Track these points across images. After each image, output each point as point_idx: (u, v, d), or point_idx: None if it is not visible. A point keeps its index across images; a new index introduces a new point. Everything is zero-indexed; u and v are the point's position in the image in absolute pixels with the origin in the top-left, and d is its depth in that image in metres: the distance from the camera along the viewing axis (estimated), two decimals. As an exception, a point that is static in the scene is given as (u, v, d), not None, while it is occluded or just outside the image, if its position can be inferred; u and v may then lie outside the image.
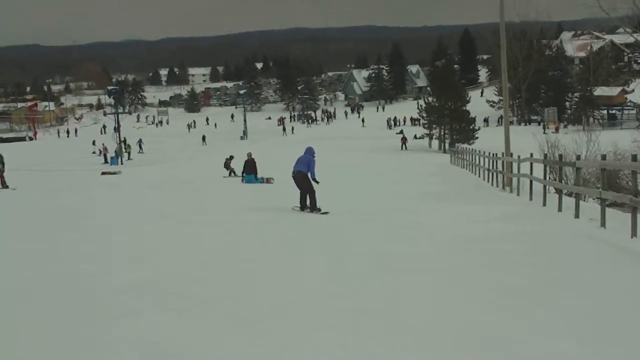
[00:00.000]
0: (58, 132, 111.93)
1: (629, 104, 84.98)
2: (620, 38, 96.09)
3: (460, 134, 65.59)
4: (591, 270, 8.87)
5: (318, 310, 6.93)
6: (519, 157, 22.26)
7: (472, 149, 39.40)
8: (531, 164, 19.98)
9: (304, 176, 16.94)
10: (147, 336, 6.09)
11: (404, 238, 11.93)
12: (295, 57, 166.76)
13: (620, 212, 14.91)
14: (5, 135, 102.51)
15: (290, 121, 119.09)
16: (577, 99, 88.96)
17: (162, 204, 19.36)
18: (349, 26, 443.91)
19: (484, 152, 30.72)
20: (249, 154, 30.93)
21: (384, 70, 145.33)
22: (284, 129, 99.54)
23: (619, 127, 73.58)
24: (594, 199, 18.72)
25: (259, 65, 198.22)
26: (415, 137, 73.13)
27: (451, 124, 66.94)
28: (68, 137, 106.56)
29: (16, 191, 25.34)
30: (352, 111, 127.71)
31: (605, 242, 10.95)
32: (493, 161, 27.62)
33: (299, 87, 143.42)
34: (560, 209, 15.60)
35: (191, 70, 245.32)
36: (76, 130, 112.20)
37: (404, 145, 65.75)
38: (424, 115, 69.99)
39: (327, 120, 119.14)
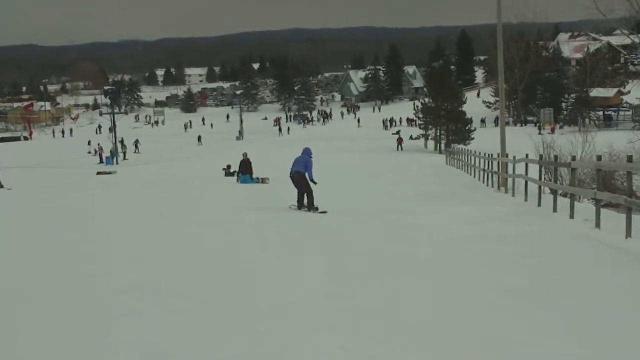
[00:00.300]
0: (53, 132, 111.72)
1: (624, 105, 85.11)
2: (617, 39, 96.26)
3: (456, 135, 65.64)
4: (588, 271, 8.90)
5: (318, 311, 6.94)
6: (514, 157, 22.27)
7: (468, 150, 39.42)
8: (526, 164, 19.99)
9: (301, 176, 17.14)
10: (147, 336, 6.10)
11: (402, 239, 11.94)
12: (292, 58, 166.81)
13: (615, 212, 14.92)
14: (1, 135, 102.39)
15: (286, 121, 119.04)
16: (573, 100, 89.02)
17: (158, 203, 19.34)
18: (347, 27, 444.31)
19: (480, 153, 30.75)
20: (245, 154, 30.94)
21: (381, 71, 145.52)
22: (280, 130, 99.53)
23: (614, 128, 73.64)
24: (588, 200, 18.72)
25: (256, 66, 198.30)
26: (411, 137, 73.17)
27: (447, 125, 67.01)
28: (63, 137, 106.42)
29: (11, 191, 25.30)
30: (349, 112, 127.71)
31: (600, 242, 10.97)
32: (488, 162, 27.63)
33: (295, 88, 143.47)
34: (555, 210, 15.61)
35: (188, 71, 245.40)
36: (71, 130, 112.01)
37: (399, 146, 65.86)
38: (420, 115, 70.02)
39: (323, 120, 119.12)
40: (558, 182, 18.26)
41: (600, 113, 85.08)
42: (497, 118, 70.94)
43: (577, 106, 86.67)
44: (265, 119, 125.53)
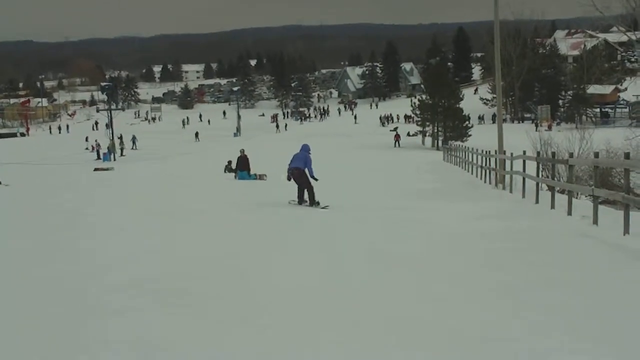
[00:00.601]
0: (50, 128, 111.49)
1: (621, 102, 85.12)
2: (613, 37, 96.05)
3: (454, 132, 65.70)
4: (586, 268, 8.90)
5: (317, 308, 6.96)
6: (511, 154, 22.27)
7: (465, 147, 39.43)
8: (524, 161, 19.99)
9: (301, 172, 17.35)
10: (146, 334, 6.10)
11: (400, 235, 11.95)
12: (289, 54, 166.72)
13: (612, 209, 14.94)
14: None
15: (284, 118, 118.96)
16: (570, 97, 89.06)
17: (156, 200, 19.29)
18: (344, 24, 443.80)
19: (477, 150, 30.75)
20: (242, 151, 30.90)
21: (378, 68, 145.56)
22: (277, 126, 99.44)
23: (611, 125, 73.62)
24: (586, 197, 18.74)
25: (253, 62, 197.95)
26: (408, 134, 73.18)
27: (444, 122, 67.07)
28: (60, 133, 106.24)
29: (8, 187, 25.26)
30: (346, 108, 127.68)
31: (598, 239, 10.97)
32: (486, 159, 27.64)
33: (292, 84, 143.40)
34: (553, 207, 15.61)
35: (185, 67, 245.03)
36: (67, 127, 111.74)
37: (397, 143, 65.93)
38: (418, 112, 70.05)
39: (321, 117, 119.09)
40: (556, 179, 18.27)
41: (598, 110, 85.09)
42: (494, 115, 71.03)
43: (574, 103, 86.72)
44: (263, 115, 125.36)
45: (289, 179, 17.92)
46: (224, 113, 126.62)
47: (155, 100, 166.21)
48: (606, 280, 8.16)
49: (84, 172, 38.61)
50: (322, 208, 16.94)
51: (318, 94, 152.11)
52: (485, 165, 27.60)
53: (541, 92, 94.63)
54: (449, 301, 7.18)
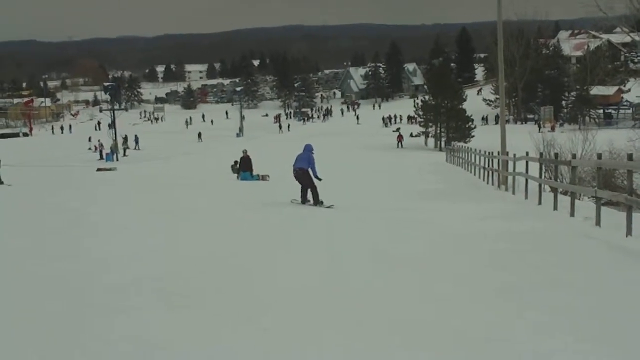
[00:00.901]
0: (52, 128, 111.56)
1: (625, 103, 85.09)
2: (617, 37, 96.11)
3: (457, 133, 65.63)
4: (589, 269, 8.89)
5: (319, 309, 6.96)
6: (514, 155, 22.26)
7: (468, 148, 39.41)
8: (527, 162, 19.98)
9: (305, 172, 17.55)
10: (148, 333, 6.10)
11: (403, 236, 11.94)
12: (292, 55, 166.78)
13: (615, 210, 14.92)
14: (1, 131, 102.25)
15: (287, 118, 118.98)
16: (573, 98, 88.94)
17: (158, 200, 19.31)
18: (347, 24, 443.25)
19: (480, 151, 30.74)
20: (245, 151, 30.90)
21: (381, 68, 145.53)
22: (280, 126, 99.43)
23: (615, 127, 73.58)
24: (589, 198, 18.72)
25: (256, 62, 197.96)
26: (411, 135, 73.16)
27: (447, 122, 67.02)
28: (62, 133, 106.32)
29: (11, 187, 25.29)
30: (349, 109, 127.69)
31: (600, 240, 10.96)
32: (489, 160, 27.63)
33: (295, 85, 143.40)
34: (555, 208, 15.59)
35: (188, 67, 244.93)
36: (70, 127, 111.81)
37: (399, 143, 65.93)
38: (421, 113, 70.03)
39: (324, 117, 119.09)
40: (558, 180, 18.25)
41: (601, 111, 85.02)
42: (497, 116, 70.98)
43: (577, 104, 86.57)
44: (266, 115, 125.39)
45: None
46: (227, 113, 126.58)
47: (158, 100, 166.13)
48: (609, 281, 8.15)
49: (86, 172, 38.66)
50: (327, 207, 17.09)
51: (321, 95, 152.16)
52: (488, 166, 27.59)
53: (544, 93, 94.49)
54: (453, 301, 7.18)
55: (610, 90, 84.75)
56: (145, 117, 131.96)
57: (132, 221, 14.07)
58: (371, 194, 22.02)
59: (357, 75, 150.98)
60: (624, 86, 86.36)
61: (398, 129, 79.42)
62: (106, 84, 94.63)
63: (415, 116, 76.62)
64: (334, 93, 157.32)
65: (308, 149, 18.05)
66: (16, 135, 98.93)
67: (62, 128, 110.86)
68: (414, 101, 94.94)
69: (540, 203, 17.16)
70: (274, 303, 7.14)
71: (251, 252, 10.29)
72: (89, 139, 71.12)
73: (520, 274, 8.47)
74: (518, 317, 6.58)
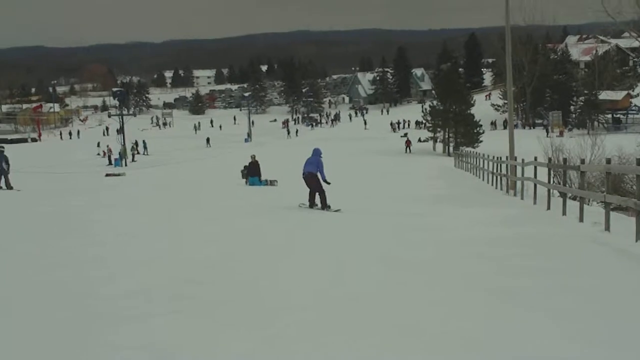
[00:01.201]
0: (60, 134, 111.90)
1: (633, 108, 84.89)
2: (625, 42, 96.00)
3: (465, 138, 65.55)
4: (598, 275, 8.85)
5: (327, 314, 6.95)
6: (523, 160, 22.23)
7: (476, 153, 39.38)
8: (535, 167, 19.95)
9: (313, 176, 17.80)
10: (155, 340, 6.10)
11: (411, 241, 11.91)
12: (300, 60, 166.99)
13: (624, 216, 14.89)
14: (10, 137, 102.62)
15: (295, 124, 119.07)
16: (582, 103, 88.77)
17: (166, 206, 19.36)
18: (354, 29, 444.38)
19: (488, 156, 30.71)
20: (253, 156, 30.91)
21: (389, 74, 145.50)
22: (288, 132, 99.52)
23: (623, 131, 73.42)
24: (598, 203, 18.68)
25: (264, 68, 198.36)
26: (419, 140, 73.16)
27: (455, 128, 66.96)
28: (70, 138, 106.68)
29: (21, 192, 25.34)
30: (356, 114, 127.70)
31: (610, 246, 10.92)
32: (497, 165, 27.60)
33: (303, 90, 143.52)
34: (564, 213, 15.55)
35: (196, 73, 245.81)
36: (78, 132, 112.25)
37: (408, 148, 65.99)
38: (429, 118, 70.00)
39: (332, 122, 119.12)
40: (567, 186, 18.22)
41: (609, 116, 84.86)
42: (506, 121, 70.89)
43: (585, 109, 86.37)
44: (275, 121, 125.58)
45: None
46: (235, 119, 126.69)
47: (167, 105, 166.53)
48: (618, 287, 8.12)
49: (95, 178, 38.75)
50: (335, 211, 17.21)
51: (329, 100, 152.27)
52: (497, 171, 27.56)
53: (552, 97, 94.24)
54: (460, 306, 7.16)
55: (618, 95, 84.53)
56: (155, 122, 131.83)
57: (140, 227, 14.09)
58: (379, 199, 22.00)
59: (365, 81, 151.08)
60: (633, 91, 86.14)
61: (406, 134, 79.41)
62: (115, 89, 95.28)
63: (424, 121, 76.58)
64: (343, 98, 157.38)
65: (317, 153, 18.29)
66: (24, 140, 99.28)
67: (70, 133, 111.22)
68: (422, 106, 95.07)
69: (549, 208, 17.13)
70: (281, 308, 7.13)
71: (259, 257, 10.28)
72: (98, 145, 71.36)
73: (528, 280, 8.43)
74: (526, 322, 6.55)
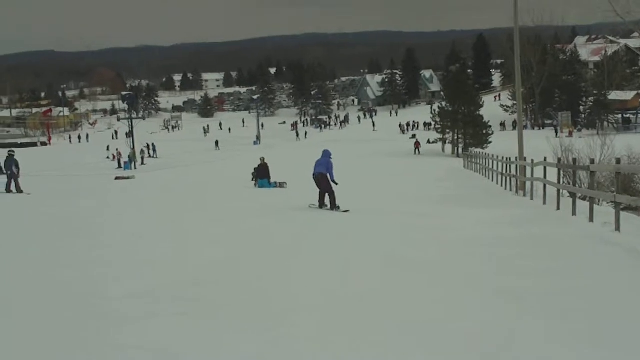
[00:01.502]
0: (70, 138, 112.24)
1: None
2: (635, 42, 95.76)
3: (474, 139, 65.46)
4: (608, 275, 8.79)
5: (332, 313, 6.93)
6: (532, 161, 22.17)
7: (486, 153, 39.30)
8: (545, 168, 19.89)
9: (324, 176, 18.12)
10: (160, 341, 6.10)
11: (419, 241, 11.88)
12: (309, 62, 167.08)
13: (635, 215, 14.82)
14: (20, 141, 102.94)
15: (304, 126, 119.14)
16: (591, 103, 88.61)
17: (174, 208, 19.42)
18: (363, 31, 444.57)
19: (497, 157, 30.64)
20: (262, 159, 30.96)
21: (398, 75, 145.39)
22: (297, 134, 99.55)
23: (633, 131, 73.25)
24: (608, 203, 18.61)
25: (273, 70, 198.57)
26: (428, 141, 73.12)
27: (464, 129, 66.88)
28: (80, 142, 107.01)
29: (31, 196, 25.44)
30: (365, 116, 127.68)
31: (620, 246, 10.85)
32: (506, 165, 27.53)
33: (312, 92, 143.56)
34: (574, 213, 15.48)
35: (205, 76, 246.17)
36: (87, 136, 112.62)
37: (417, 150, 65.97)
38: (438, 119, 69.95)
39: (341, 125, 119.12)
40: (577, 186, 18.17)
41: (619, 116, 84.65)
42: (515, 122, 70.76)
43: (595, 109, 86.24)
44: (284, 123, 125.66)
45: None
46: (243, 121, 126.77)
47: (176, 109, 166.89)
48: (629, 286, 8.07)
49: (105, 181, 38.84)
50: (344, 212, 17.50)
51: (338, 102, 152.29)
52: (506, 172, 27.50)
53: (562, 98, 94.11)
54: (466, 307, 7.14)
55: (628, 95, 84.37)
56: (165, 126, 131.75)
57: (148, 229, 14.15)
58: (387, 200, 21.98)
59: (374, 83, 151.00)
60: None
61: (414, 136, 79.38)
62: (124, 93, 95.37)
63: (433, 123, 76.54)
64: (352, 100, 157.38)
65: (326, 155, 18.67)
66: (34, 144, 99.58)
67: (79, 137, 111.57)
68: (431, 108, 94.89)
69: (558, 208, 17.07)
70: (288, 309, 7.12)
71: (266, 258, 10.28)
72: (107, 148, 71.53)
73: (537, 280, 8.39)
74: (532, 324, 6.52)
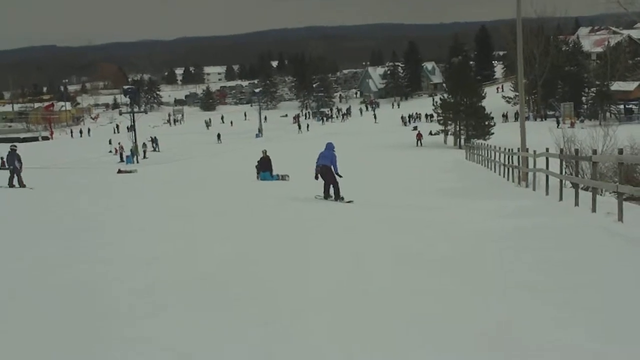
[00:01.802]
0: (71, 132, 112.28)
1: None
2: (637, 33, 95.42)
3: (476, 130, 65.41)
4: (612, 265, 8.78)
5: (340, 309, 6.93)
6: (534, 152, 22.13)
7: (488, 145, 39.26)
8: (547, 158, 19.86)
9: (328, 169, 18.52)
10: (169, 336, 6.12)
11: (422, 234, 11.87)
12: (311, 55, 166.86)
13: (637, 205, 14.79)
14: (22, 135, 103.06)
15: (306, 119, 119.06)
16: (593, 94, 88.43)
17: (179, 202, 19.40)
18: (365, 24, 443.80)
19: (500, 148, 30.61)
20: (264, 151, 30.94)
21: (400, 68, 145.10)
22: (299, 127, 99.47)
23: (636, 122, 73.05)
24: (610, 193, 18.57)
25: (274, 64, 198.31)
26: (430, 133, 73.04)
27: (467, 120, 66.81)
28: (81, 136, 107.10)
29: (33, 190, 25.46)
30: (367, 108, 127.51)
31: (623, 236, 10.84)
32: (509, 156, 27.50)
33: (314, 85, 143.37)
34: (577, 204, 15.47)
35: (206, 69, 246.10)
36: (89, 130, 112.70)
37: (419, 141, 65.92)
38: (440, 111, 69.85)
39: (343, 117, 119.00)
40: (579, 176, 18.11)
41: (621, 107, 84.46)
42: (517, 113, 70.62)
43: (597, 100, 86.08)
44: (286, 116, 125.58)
45: (316, 178, 18.97)
46: (245, 114, 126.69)
47: (178, 102, 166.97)
48: (632, 277, 8.06)
49: (107, 175, 38.88)
50: (347, 202, 17.91)
51: (340, 95, 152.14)
52: (508, 163, 27.46)
53: (564, 89, 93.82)
54: (474, 300, 7.13)
55: (630, 85, 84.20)
56: (167, 119, 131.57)
57: (152, 223, 14.13)
58: (391, 191, 21.99)
59: (376, 75, 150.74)
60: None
61: (416, 127, 79.30)
62: (126, 87, 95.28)
63: (435, 114, 76.45)
64: (356, 93, 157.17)
65: (330, 147, 18.95)
66: (36, 139, 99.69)
67: (81, 132, 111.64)
68: (433, 99, 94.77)
69: (561, 199, 17.05)
70: (295, 304, 7.11)
71: (274, 252, 10.27)
72: (109, 142, 71.59)
73: (541, 271, 8.38)
74: (540, 314, 6.51)
